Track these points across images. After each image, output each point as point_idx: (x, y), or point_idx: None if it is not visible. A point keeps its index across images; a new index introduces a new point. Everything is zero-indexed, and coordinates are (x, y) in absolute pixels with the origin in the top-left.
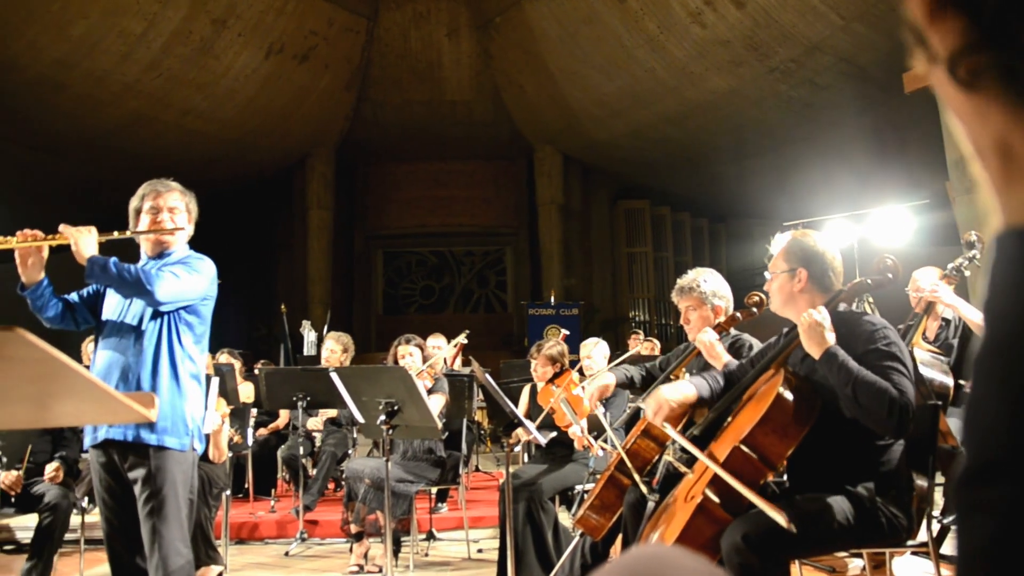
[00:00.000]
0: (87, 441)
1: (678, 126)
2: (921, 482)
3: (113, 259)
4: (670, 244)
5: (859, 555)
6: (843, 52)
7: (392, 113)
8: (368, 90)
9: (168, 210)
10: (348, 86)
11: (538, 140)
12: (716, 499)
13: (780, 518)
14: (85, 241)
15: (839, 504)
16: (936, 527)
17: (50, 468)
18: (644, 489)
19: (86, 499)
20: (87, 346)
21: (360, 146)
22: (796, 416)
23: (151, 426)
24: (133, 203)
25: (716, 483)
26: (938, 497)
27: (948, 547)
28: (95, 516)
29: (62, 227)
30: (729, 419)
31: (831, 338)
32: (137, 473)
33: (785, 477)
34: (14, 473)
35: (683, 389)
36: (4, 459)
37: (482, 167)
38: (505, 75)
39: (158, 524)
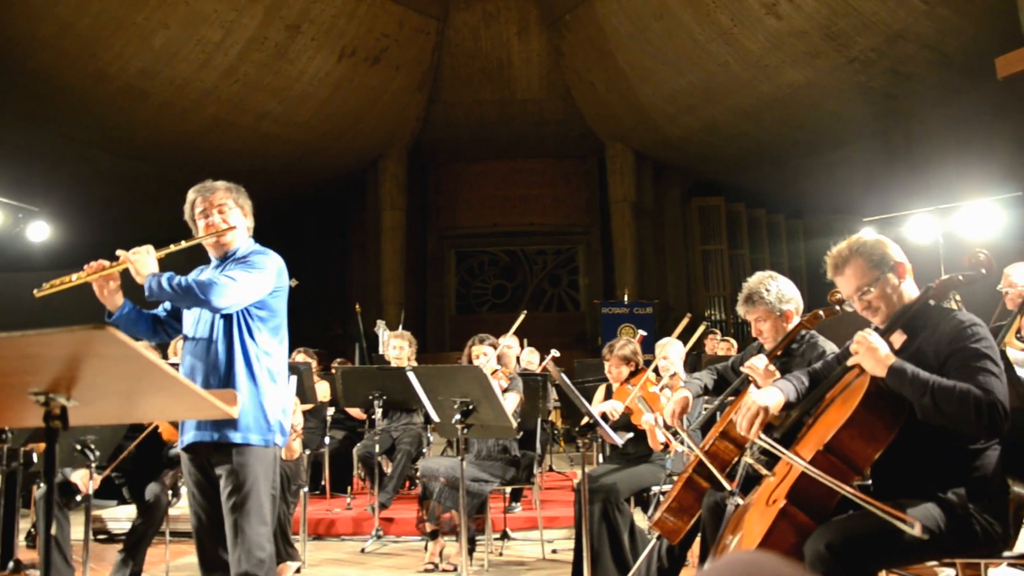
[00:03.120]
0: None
1: (753, 120)
2: (1018, 488)
3: (168, 275)
4: (746, 241)
5: (951, 565)
6: (927, 39)
7: (463, 113)
8: (439, 91)
9: (218, 209)
10: (419, 87)
11: (609, 137)
12: (799, 504)
13: (913, 527)
14: (142, 262)
15: (929, 511)
16: None
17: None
18: (726, 489)
19: (170, 493)
20: (176, 344)
21: (432, 146)
22: (883, 419)
23: (233, 424)
24: (186, 212)
25: (799, 487)
26: None
27: None
28: (178, 509)
29: (119, 252)
30: (811, 422)
31: (887, 352)
32: (221, 470)
33: (871, 482)
34: (84, 472)
35: (774, 395)
36: (97, 453)
37: (553, 165)
38: (575, 72)
39: (240, 520)
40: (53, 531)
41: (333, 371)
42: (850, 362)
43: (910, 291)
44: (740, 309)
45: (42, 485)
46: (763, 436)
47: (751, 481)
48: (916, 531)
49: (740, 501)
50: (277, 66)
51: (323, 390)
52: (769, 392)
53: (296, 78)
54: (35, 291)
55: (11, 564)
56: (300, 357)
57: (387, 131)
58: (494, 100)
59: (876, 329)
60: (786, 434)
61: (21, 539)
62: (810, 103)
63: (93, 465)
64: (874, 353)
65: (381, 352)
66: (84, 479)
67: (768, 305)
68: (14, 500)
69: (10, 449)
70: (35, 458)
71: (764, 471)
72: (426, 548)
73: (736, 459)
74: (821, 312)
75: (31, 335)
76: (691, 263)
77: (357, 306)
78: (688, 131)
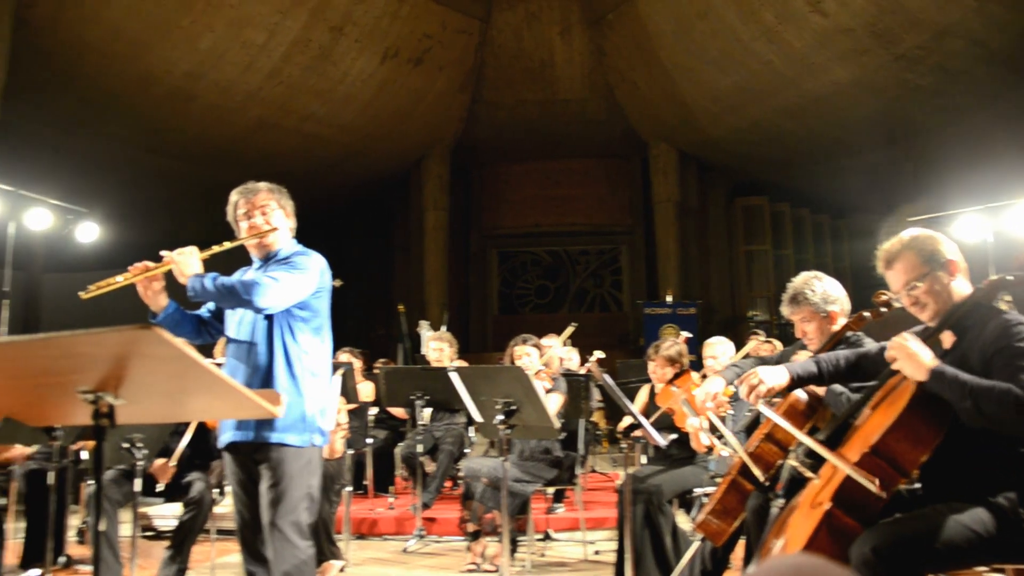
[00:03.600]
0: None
1: (797, 119)
2: None
3: (211, 275)
4: (790, 241)
5: (1000, 571)
6: (976, 35)
7: (506, 113)
8: (482, 91)
9: (260, 211)
10: (462, 88)
11: (652, 137)
12: (845, 506)
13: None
14: (185, 263)
15: (978, 515)
16: None
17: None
18: (769, 492)
19: (215, 490)
20: (221, 345)
21: (474, 147)
22: (929, 421)
23: (272, 425)
24: (229, 214)
25: (844, 490)
26: None
27: None
28: (223, 507)
29: (163, 253)
30: (857, 423)
31: (928, 356)
32: (261, 469)
33: (918, 485)
34: (161, 460)
35: (778, 373)
36: (146, 450)
37: (596, 165)
38: (618, 72)
39: (277, 519)
40: (103, 527)
41: (376, 371)
42: (929, 332)
43: (961, 290)
44: (784, 310)
45: (92, 483)
46: (807, 437)
47: (796, 484)
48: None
49: (777, 507)
50: (321, 68)
51: (366, 390)
52: (776, 370)
53: (339, 80)
54: (81, 293)
55: (62, 559)
56: (344, 357)
57: (430, 132)
58: (537, 100)
59: (921, 331)
60: (832, 436)
61: (72, 535)
62: (855, 101)
63: (140, 461)
64: (912, 358)
65: (424, 352)
66: (161, 469)
67: (813, 306)
68: (64, 497)
69: (61, 447)
70: (84, 455)
71: (809, 473)
72: (468, 548)
73: (780, 461)
74: (867, 313)
75: (80, 335)
76: (735, 263)
77: (400, 306)
78: (732, 130)
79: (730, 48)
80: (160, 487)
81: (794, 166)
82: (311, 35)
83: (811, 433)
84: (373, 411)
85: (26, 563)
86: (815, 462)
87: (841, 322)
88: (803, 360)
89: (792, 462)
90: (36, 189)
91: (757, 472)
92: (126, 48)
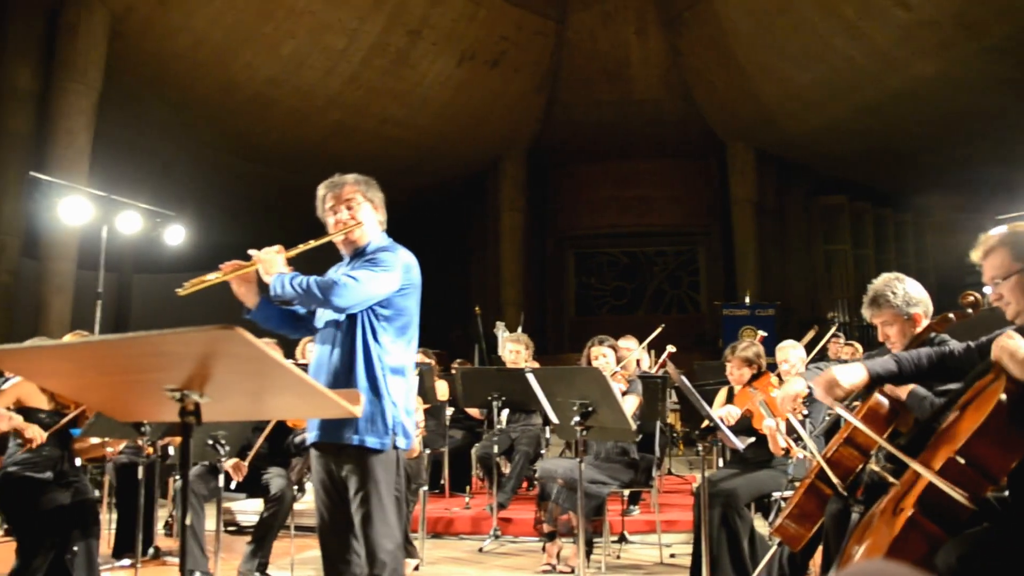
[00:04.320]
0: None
1: (879, 116)
2: None
3: (291, 274)
4: (871, 241)
5: None
6: None
7: (582, 114)
8: (558, 92)
9: (346, 205)
10: (538, 89)
11: (729, 137)
12: (929, 513)
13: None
14: (270, 262)
15: None
16: None
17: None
18: (849, 497)
19: (295, 488)
20: (304, 344)
21: (550, 148)
22: (1020, 425)
23: (353, 427)
24: (317, 208)
25: (928, 495)
26: None
27: None
28: (302, 504)
29: (251, 252)
30: (943, 428)
31: None
32: (344, 471)
33: (1008, 493)
34: (235, 459)
35: (855, 371)
36: (228, 448)
37: (672, 166)
38: (694, 71)
39: (364, 520)
40: (189, 521)
41: (453, 371)
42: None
43: None
44: (866, 312)
45: (179, 477)
46: (887, 442)
47: (877, 489)
48: (961, 498)
49: (857, 513)
50: (398, 71)
51: (442, 390)
52: (852, 368)
53: (417, 82)
54: (177, 290)
55: (152, 550)
56: (418, 357)
57: (506, 133)
58: (612, 100)
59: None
60: (915, 440)
61: (160, 527)
62: (940, 96)
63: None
64: (1014, 355)
65: (500, 354)
66: (235, 468)
67: (895, 308)
68: (153, 491)
69: (149, 443)
70: (171, 451)
71: (891, 479)
72: (543, 549)
73: (861, 466)
74: (951, 315)
75: (167, 334)
76: (814, 264)
77: (477, 308)
78: (811, 128)
79: (810, 44)
80: (233, 484)
81: (875, 164)
82: (389, 39)
83: (893, 438)
84: (449, 411)
85: (118, 553)
86: (897, 467)
87: (924, 324)
88: (882, 358)
89: (873, 467)
90: (126, 194)
91: (835, 478)
92: (211, 56)
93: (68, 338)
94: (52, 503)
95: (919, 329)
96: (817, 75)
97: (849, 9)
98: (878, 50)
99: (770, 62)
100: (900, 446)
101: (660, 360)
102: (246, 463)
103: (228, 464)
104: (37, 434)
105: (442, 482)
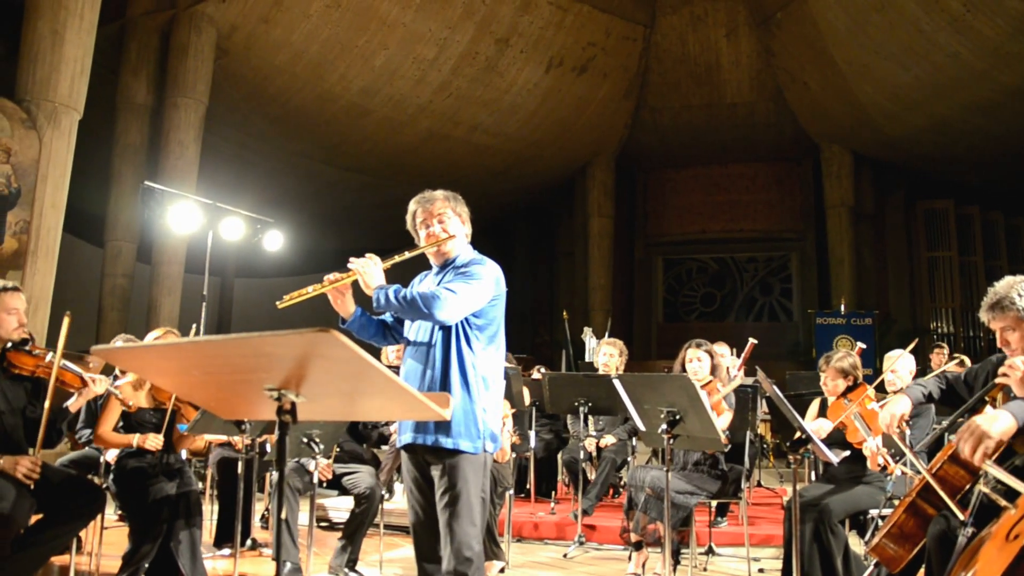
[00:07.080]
0: (398, 443)
1: (989, 115)
2: None
3: (395, 288)
4: (979, 247)
5: None
6: None
7: (671, 118)
8: (646, 97)
9: (437, 219)
10: (627, 94)
11: (824, 139)
12: None
13: None
14: (370, 274)
15: None
16: None
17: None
18: (957, 518)
19: (384, 489)
20: (386, 350)
21: (639, 153)
22: None
23: (446, 430)
24: (408, 222)
25: None
26: None
27: None
28: (392, 504)
29: (350, 262)
30: None
31: None
32: (435, 472)
33: None
34: (324, 461)
35: (1003, 420)
36: (322, 446)
37: (764, 170)
38: (787, 73)
39: (451, 521)
40: (284, 514)
41: (540, 377)
42: None
43: None
44: (984, 316)
45: (275, 473)
46: (996, 466)
47: (987, 511)
48: None
49: (964, 536)
50: (488, 79)
51: (528, 395)
52: (998, 417)
53: (506, 90)
54: (277, 303)
55: (249, 541)
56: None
57: (595, 139)
58: (702, 104)
59: None
60: None
61: (257, 520)
62: None
63: (318, 456)
64: None
65: (588, 359)
66: (320, 467)
67: (1019, 312)
68: (251, 485)
69: (248, 439)
70: (268, 448)
71: (1003, 502)
72: (629, 558)
73: (968, 486)
74: None
75: (267, 336)
76: (916, 271)
77: (565, 313)
78: (912, 129)
79: (910, 41)
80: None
81: (984, 166)
82: (478, 48)
83: (1008, 457)
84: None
85: (219, 542)
86: (1009, 489)
87: None
88: (1018, 402)
89: (983, 487)
90: (229, 201)
91: (948, 499)
92: (307, 69)
93: (156, 334)
94: (160, 493)
95: None
96: (919, 73)
97: (955, 2)
98: (988, 45)
99: (867, 61)
100: (1014, 468)
101: (743, 355)
102: (331, 463)
103: (319, 465)
104: (156, 443)
105: (528, 486)
